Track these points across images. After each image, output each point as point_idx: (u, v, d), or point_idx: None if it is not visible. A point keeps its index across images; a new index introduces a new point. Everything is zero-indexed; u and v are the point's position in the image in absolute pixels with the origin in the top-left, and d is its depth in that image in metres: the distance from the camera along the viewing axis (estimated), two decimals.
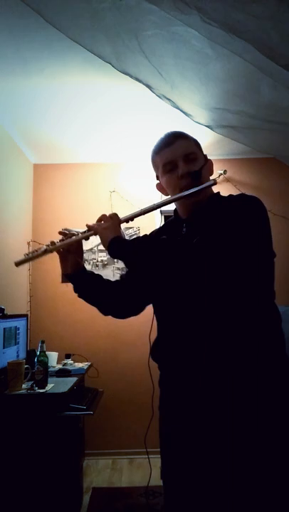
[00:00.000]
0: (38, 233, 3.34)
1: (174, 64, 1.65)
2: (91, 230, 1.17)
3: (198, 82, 1.78)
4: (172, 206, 1.22)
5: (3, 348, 2.18)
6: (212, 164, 1.18)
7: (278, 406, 0.98)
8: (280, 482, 0.97)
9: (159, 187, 1.21)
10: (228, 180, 3.43)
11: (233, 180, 3.44)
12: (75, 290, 1.25)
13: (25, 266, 3.21)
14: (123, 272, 1.31)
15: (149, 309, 1.23)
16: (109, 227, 1.12)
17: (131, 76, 1.66)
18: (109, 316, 1.31)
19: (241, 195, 1.09)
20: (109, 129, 2.93)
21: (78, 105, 2.59)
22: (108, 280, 1.28)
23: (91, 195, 3.43)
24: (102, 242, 1.12)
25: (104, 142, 3.17)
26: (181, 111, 2.00)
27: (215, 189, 1.18)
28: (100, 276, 1.28)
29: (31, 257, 1.20)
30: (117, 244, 1.08)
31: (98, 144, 3.19)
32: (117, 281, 1.28)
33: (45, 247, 1.20)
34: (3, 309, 2.30)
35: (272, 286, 1.09)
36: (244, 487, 0.95)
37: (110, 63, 1.58)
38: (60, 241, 1.21)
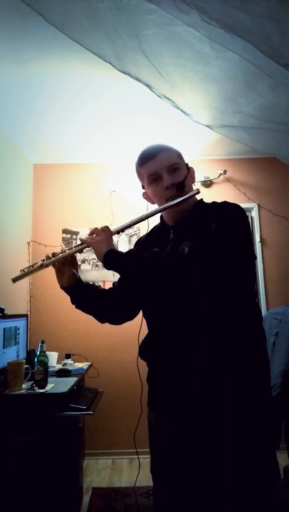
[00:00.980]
0: (38, 233, 3.34)
1: (174, 64, 1.64)
2: (84, 244, 1.21)
3: (198, 82, 1.78)
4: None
5: (3, 348, 2.18)
6: (194, 172, 1.24)
7: (267, 404, 1.05)
8: (272, 480, 1.02)
9: (146, 196, 1.28)
10: (228, 180, 3.43)
11: (233, 180, 3.44)
12: (72, 302, 1.30)
13: (26, 265, 3.20)
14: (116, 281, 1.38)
15: None
16: (102, 240, 1.17)
17: (131, 76, 1.65)
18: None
19: (224, 203, 1.15)
20: (109, 129, 2.93)
21: (78, 105, 2.59)
22: (102, 289, 1.34)
23: (91, 195, 3.42)
24: (97, 256, 1.17)
25: (104, 142, 3.16)
26: (181, 111, 2.00)
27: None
28: (94, 287, 1.33)
29: (28, 272, 1.27)
30: (111, 257, 1.13)
31: (98, 143, 3.19)
32: (110, 289, 1.34)
33: (40, 262, 1.26)
34: (3, 309, 2.30)
35: (254, 287, 1.17)
36: (242, 485, 0.98)
37: (110, 63, 1.57)
38: (52, 255, 1.26)
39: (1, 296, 2.55)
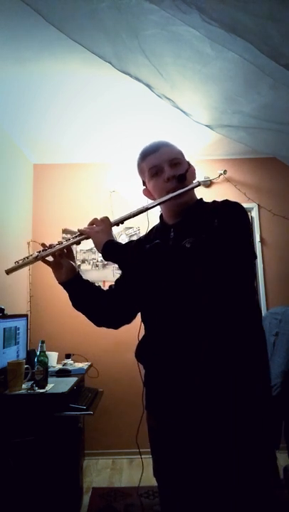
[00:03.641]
0: (38, 233, 3.34)
1: (174, 64, 1.64)
2: (83, 235, 1.18)
3: (198, 82, 1.78)
4: (158, 212, 1.26)
5: (3, 348, 2.18)
6: (194, 170, 1.23)
7: (269, 404, 1.04)
8: (278, 482, 1.00)
9: (146, 192, 1.25)
10: (228, 180, 3.43)
11: (233, 180, 3.44)
12: (71, 298, 1.25)
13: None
14: (113, 283, 1.34)
15: None
16: (102, 230, 1.15)
17: (131, 76, 1.65)
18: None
19: (225, 202, 1.12)
20: (109, 129, 2.93)
21: (78, 105, 2.59)
22: (101, 289, 1.30)
23: (91, 195, 3.43)
24: (96, 246, 1.14)
25: (104, 142, 3.16)
26: (181, 110, 2.00)
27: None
28: (94, 284, 1.29)
29: (22, 264, 1.20)
30: (110, 248, 1.10)
31: (98, 143, 3.19)
32: (107, 290, 1.30)
33: (36, 253, 1.20)
34: (3, 309, 2.30)
35: (254, 284, 1.15)
36: (244, 487, 0.97)
37: (110, 63, 1.57)
38: (49, 247, 1.21)
39: (1, 296, 2.55)
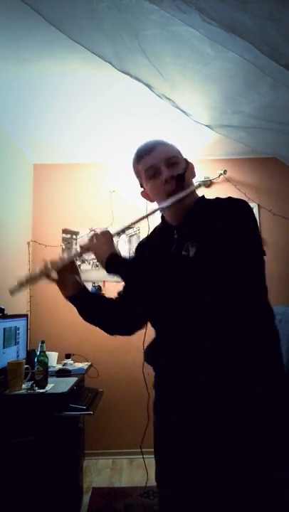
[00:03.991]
0: (38, 233, 3.34)
1: (174, 64, 1.64)
2: (84, 249, 1.17)
3: (198, 82, 1.78)
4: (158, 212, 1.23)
5: (3, 348, 2.18)
6: (193, 167, 1.19)
7: (270, 404, 1.01)
8: (278, 482, 0.99)
9: (144, 194, 1.22)
10: (228, 180, 3.43)
11: (233, 180, 3.44)
12: (80, 311, 1.22)
13: (26, 265, 3.20)
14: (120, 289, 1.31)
15: None
16: (103, 243, 1.13)
17: (131, 76, 1.66)
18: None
19: (228, 199, 1.10)
20: (109, 129, 2.93)
21: (78, 105, 2.59)
22: (109, 298, 1.28)
23: (91, 195, 3.42)
24: (98, 260, 1.12)
25: (104, 142, 3.16)
26: (181, 110, 2.00)
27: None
28: (101, 295, 1.27)
29: (25, 283, 1.17)
30: (113, 262, 1.09)
31: (98, 143, 3.19)
32: (115, 299, 1.27)
33: (38, 270, 1.18)
34: (3, 309, 2.30)
35: (265, 284, 1.10)
36: (244, 487, 0.96)
37: (110, 63, 1.58)
38: (51, 263, 1.18)
39: (1, 296, 2.55)
